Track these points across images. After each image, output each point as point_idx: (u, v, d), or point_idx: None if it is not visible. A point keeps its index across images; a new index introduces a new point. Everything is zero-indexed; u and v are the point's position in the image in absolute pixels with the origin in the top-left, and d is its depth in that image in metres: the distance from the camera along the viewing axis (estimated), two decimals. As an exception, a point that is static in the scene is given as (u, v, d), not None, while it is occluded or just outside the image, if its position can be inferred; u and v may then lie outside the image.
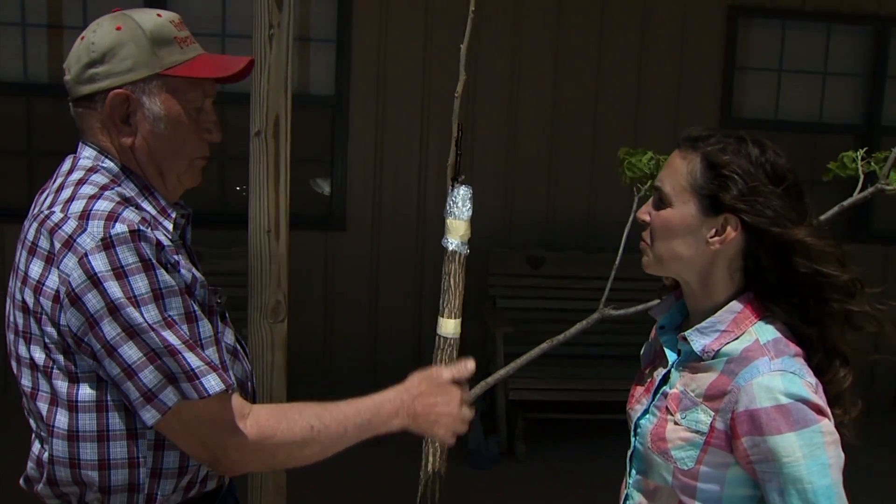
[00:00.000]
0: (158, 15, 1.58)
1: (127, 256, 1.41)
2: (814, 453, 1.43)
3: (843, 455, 1.48)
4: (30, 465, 1.57)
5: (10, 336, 1.53)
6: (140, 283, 1.41)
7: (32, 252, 1.47)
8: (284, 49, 2.35)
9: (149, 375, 1.41)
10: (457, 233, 1.91)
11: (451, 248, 1.91)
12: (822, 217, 2.09)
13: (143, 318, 1.40)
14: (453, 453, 4.90)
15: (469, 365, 1.74)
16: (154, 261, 1.43)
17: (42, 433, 1.52)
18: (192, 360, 1.43)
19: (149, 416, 1.43)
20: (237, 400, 1.51)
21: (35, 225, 1.48)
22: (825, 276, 1.50)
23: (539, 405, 4.73)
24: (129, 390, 1.42)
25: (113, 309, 1.40)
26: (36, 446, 1.55)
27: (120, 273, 1.40)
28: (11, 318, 1.52)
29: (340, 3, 5.26)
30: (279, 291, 2.45)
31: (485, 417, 4.81)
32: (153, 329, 1.41)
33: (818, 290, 1.51)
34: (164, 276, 1.44)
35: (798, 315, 1.53)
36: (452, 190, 1.93)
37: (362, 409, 1.61)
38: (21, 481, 1.60)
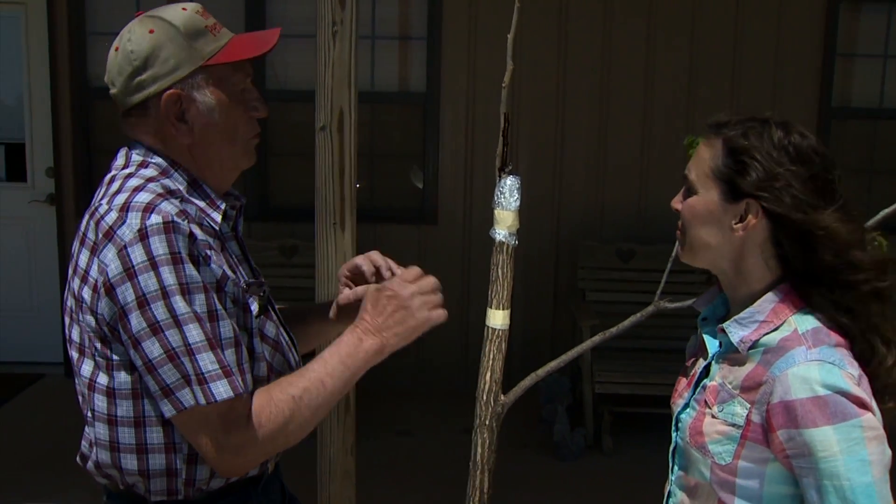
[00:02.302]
0: (184, 9, 1.59)
1: (158, 248, 1.43)
2: (852, 448, 1.37)
3: (889, 452, 1.40)
4: (83, 443, 1.64)
5: (66, 319, 1.59)
6: (167, 276, 1.43)
7: (83, 242, 1.52)
8: (348, 45, 2.41)
9: (167, 373, 1.44)
10: (504, 223, 1.92)
11: (498, 239, 1.92)
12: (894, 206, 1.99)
13: (168, 312, 1.43)
14: (539, 445, 4.87)
15: (386, 262, 1.80)
16: (184, 254, 1.45)
17: (88, 416, 1.58)
18: (206, 363, 1.45)
19: (166, 409, 1.46)
20: (247, 404, 1.51)
21: (86, 216, 1.54)
22: (850, 261, 1.44)
23: (626, 399, 4.68)
24: (149, 382, 1.46)
25: (142, 303, 1.43)
26: (86, 427, 1.61)
27: (153, 263, 1.43)
28: (67, 303, 1.58)
29: (430, 1, 5.32)
30: (346, 282, 2.50)
31: (571, 410, 4.79)
32: (175, 325, 1.43)
33: (843, 275, 1.45)
34: (192, 271, 1.46)
35: (830, 303, 1.47)
36: (500, 180, 1.94)
37: (326, 356, 1.60)
38: (77, 458, 1.66)
